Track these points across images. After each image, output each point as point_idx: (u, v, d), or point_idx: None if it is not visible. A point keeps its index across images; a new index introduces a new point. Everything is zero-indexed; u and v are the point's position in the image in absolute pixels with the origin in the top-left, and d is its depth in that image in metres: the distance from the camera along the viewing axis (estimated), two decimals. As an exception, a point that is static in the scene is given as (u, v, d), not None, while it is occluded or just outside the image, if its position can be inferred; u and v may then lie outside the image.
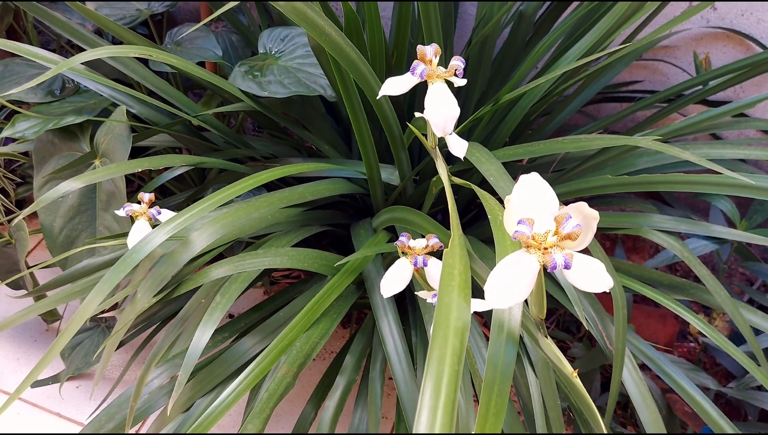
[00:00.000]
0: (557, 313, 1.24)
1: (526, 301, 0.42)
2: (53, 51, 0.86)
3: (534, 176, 0.41)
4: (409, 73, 0.54)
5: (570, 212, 0.39)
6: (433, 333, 0.39)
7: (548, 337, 0.50)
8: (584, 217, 0.39)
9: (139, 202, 0.71)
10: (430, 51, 0.53)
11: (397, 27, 0.93)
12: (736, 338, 1.08)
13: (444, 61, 0.53)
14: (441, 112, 0.54)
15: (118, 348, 0.83)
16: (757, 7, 1.07)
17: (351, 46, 0.73)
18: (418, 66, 0.53)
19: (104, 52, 0.75)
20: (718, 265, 1.07)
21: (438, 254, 0.54)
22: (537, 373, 0.73)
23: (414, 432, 0.35)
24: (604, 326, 0.78)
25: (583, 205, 0.39)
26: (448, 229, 0.51)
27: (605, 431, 0.50)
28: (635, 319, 1.18)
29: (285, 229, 0.88)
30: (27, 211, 0.75)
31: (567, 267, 0.38)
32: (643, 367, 1.10)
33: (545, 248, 0.38)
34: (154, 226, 0.69)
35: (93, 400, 1.11)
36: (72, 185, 0.75)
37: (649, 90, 1.22)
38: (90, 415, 0.81)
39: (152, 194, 0.71)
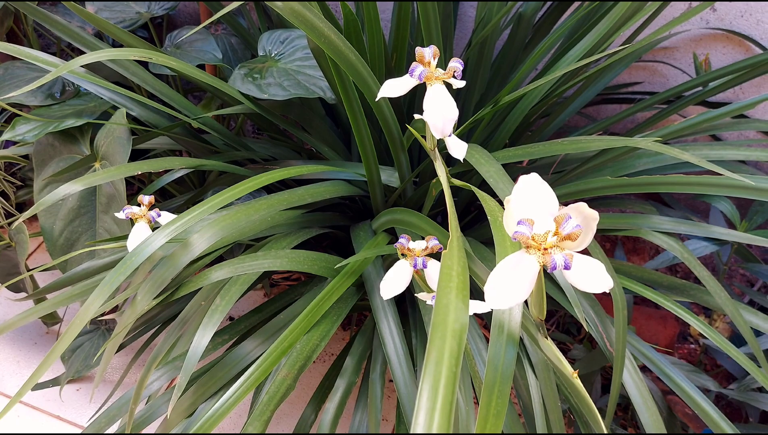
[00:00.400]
0: (557, 314, 1.24)
1: (526, 302, 0.42)
2: (53, 54, 0.86)
3: (534, 177, 0.41)
4: (407, 75, 0.54)
5: (570, 213, 0.39)
6: (431, 334, 0.39)
7: (548, 338, 0.50)
8: (584, 218, 0.39)
9: (139, 205, 0.71)
10: (428, 53, 0.54)
11: (397, 29, 0.93)
12: (737, 340, 1.08)
13: (443, 63, 0.53)
14: (439, 114, 0.54)
15: (118, 351, 0.83)
16: (756, 8, 1.07)
17: (350, 48, 0.73)
18: (417, 68, 0.53)
19: (104, 55, 0.75)
20: (719, 267, 1.07)
21: (438, 256, 0.54)
22: (537, 375, 0.73)
23: (411, 432, 0.35)
24: (604, 328, 0.78)
25: (582, 206, 0.39)
26: (448, 230, 0.50)
27: (606, 433, 0.50)
28: (636, 320, 1.18)
29: (285, 231, 0.88)
30: (27, 213, 0.75)
31: (567, 267, 0.38)
32: (643, 368, 1.10)
33: (545, 249, 0.38)
34: (154, 229, 0.69)
35: (93, 402, 1.11)
36: (72, 188, 0.75)
37: (649, 91, 1.22)
38: (90, 418, 0.81)
39: (152, 197, 0.71)
